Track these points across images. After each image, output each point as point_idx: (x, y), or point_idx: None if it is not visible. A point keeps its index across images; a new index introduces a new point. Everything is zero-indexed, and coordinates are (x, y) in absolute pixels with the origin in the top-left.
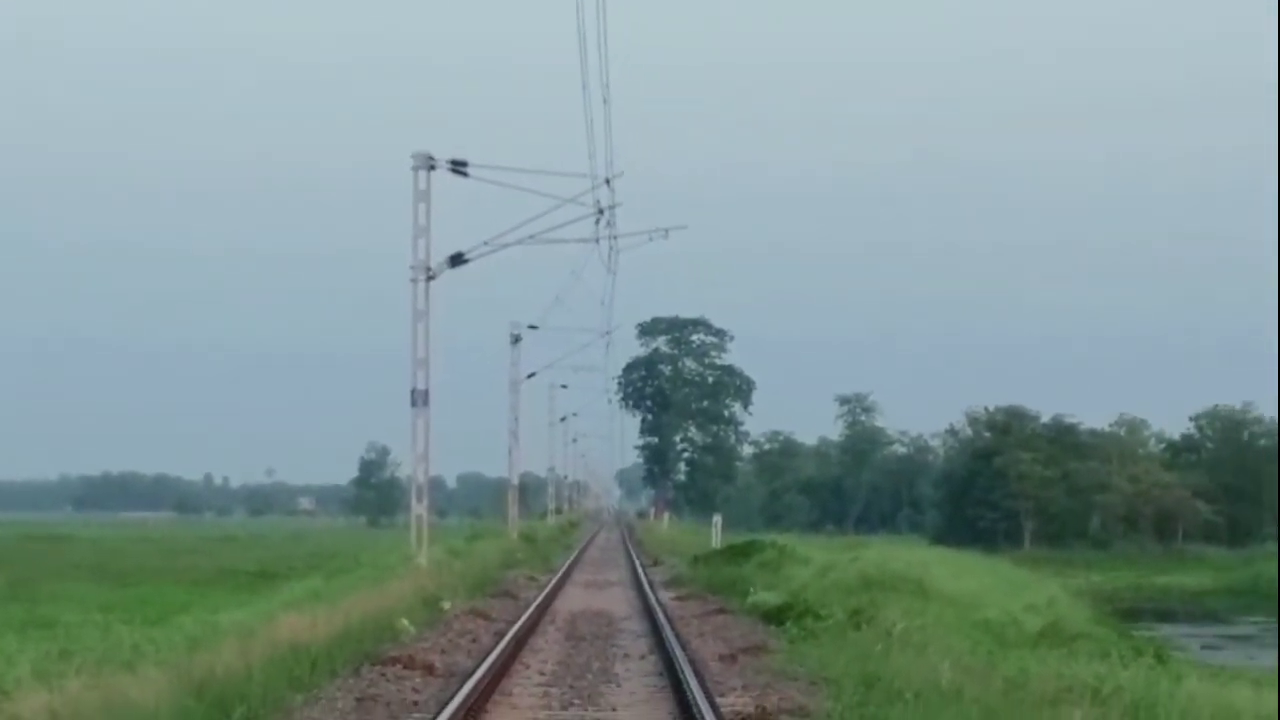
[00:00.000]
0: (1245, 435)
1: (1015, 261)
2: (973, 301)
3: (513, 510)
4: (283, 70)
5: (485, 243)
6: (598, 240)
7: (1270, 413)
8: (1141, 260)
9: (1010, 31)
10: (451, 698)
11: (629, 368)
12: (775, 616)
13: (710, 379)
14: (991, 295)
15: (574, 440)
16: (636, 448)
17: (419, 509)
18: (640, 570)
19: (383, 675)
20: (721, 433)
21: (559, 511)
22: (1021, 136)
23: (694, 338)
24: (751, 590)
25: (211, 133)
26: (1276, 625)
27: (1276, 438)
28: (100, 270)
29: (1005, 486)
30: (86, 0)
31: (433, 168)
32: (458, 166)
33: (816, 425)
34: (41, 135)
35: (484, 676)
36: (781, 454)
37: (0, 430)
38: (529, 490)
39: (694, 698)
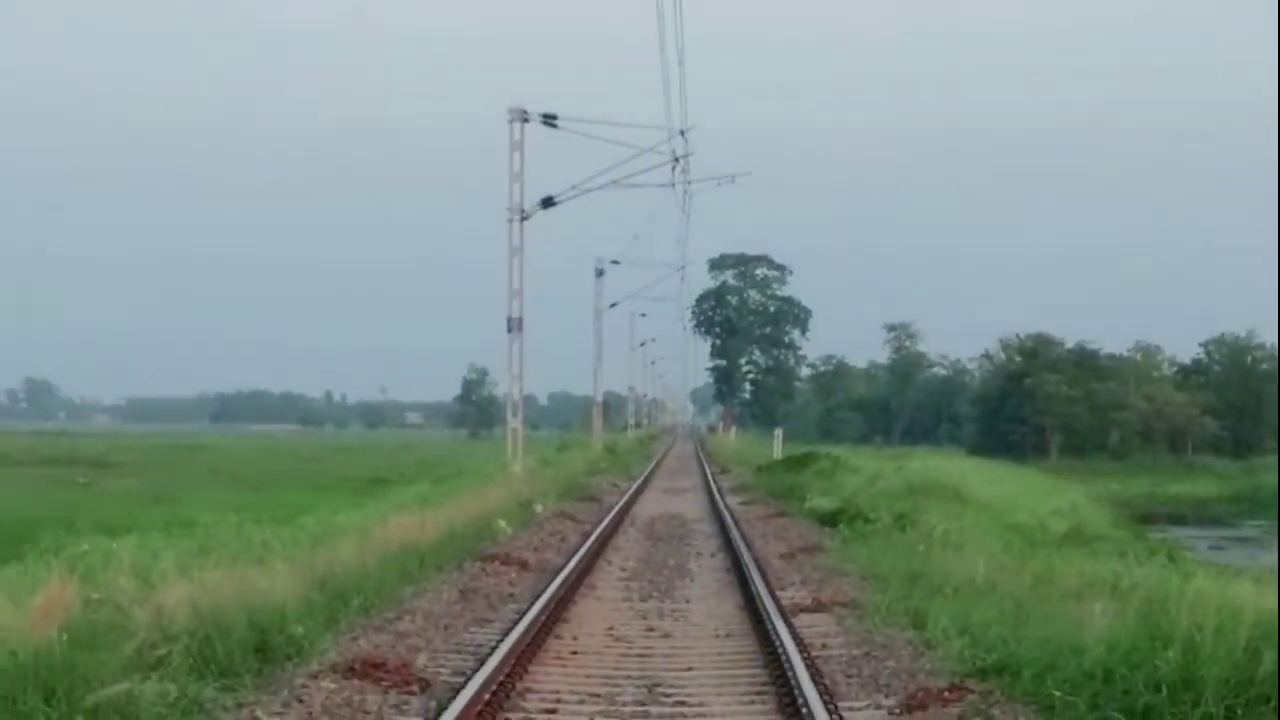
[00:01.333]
0: (1249, 360)
1: (1038, 194)
2: (1005, 238)
3: (597, 424)
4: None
5: (573, 187)
6: (673, 185)
7: (1271, 339)
8: (1159, 192)
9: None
10: (544, 590)
11: (700, 299)
12: (830, 520)
13: (772, 308)
14: (1020, 231)
15: (652, 363)
16: (707, 369)
17: (514, 423)
18: (710, 478)
19: (483, 570)
20: (782, 356)
21: (638, 426)
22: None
23: (758, 272)
24: (809, 496)
25: (337, 92)
26: (1276, 532)
27: (1277, 362)
28: (233, 207)
29: (1034, 404)
30: None
31: (526, 120)
32: (548, 119)
33: (866, 350)
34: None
35: (572, 571)
36: (835, 375)
37: (147, 352)
38: (611, 407)
39: (758, 591)
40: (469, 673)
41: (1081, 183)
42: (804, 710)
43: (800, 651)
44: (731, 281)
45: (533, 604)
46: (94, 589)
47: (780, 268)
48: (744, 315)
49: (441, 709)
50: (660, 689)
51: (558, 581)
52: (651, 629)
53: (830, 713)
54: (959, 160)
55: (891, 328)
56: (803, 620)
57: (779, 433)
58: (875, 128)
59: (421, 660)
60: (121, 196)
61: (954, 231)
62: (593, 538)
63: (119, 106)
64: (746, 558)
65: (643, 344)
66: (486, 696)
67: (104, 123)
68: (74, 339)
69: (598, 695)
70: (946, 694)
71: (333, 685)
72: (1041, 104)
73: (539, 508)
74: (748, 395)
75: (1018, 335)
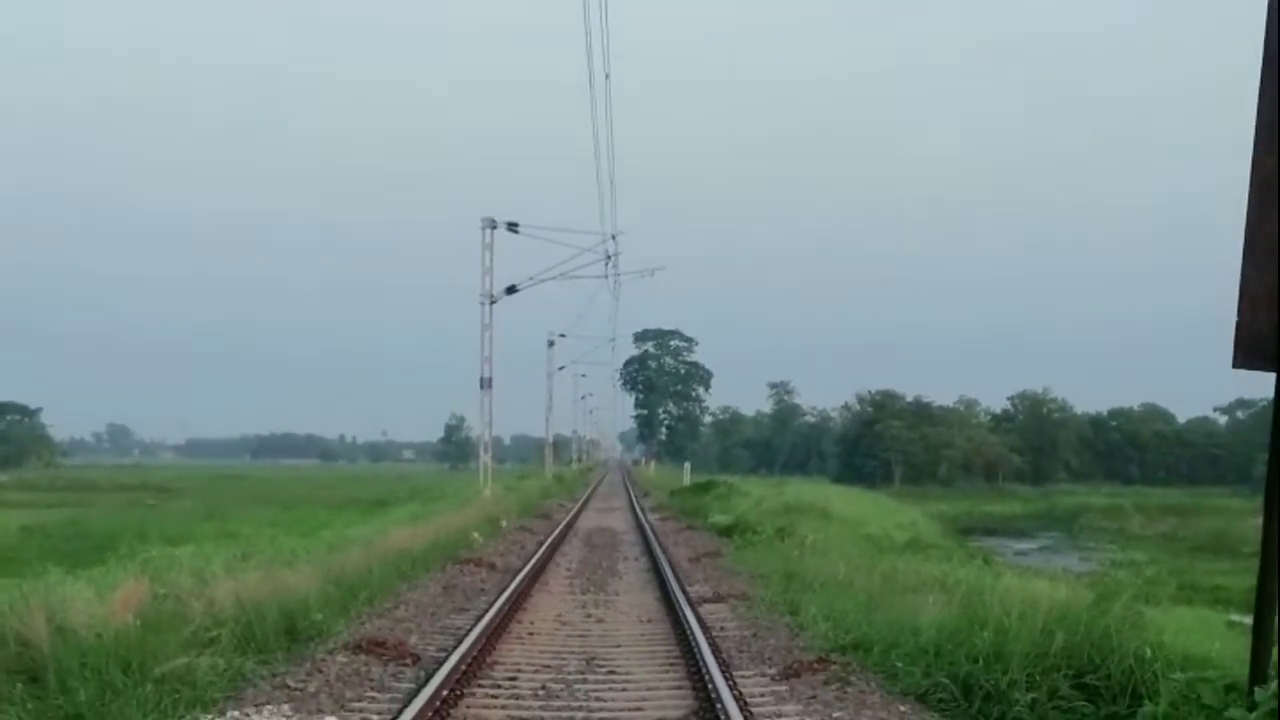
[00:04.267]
0: (1045, 410)
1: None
2: (860, 316)
3: (549, 459)
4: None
5: (530, 278)
6: (607, 277)
7: (1061, 394)
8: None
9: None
10: (508, 586)
11: (627, 363)
12: (726, 532)
13: (682, 371)
14: (872, 310)
15: (590, 412)
16: (632, 417)
17: (485, 458)
18: (635, 500)
19: (460, 570)
20: (690, 407)
21: (579, 460)
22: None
23: (672, 343)
24: (710, 514)
25: (351, 194)
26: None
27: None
28: (255, 295)
29: (882, 444)
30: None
31: (494, 227)
32: (512, 226)
33: (754, 402)
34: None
35: (529, 572)
36: (730, 421)
37: (201, 400)
38: (560, 445)
39: (671, 586)
40: (450, 649)
41: (927, 267)
42: (707, 677)
43: (704, 633)
44: (651, 350)
45: (499, 597)
46: (161, 586)
47: (689, 339)
48: (661, 376)
49: (429, 677)
50: (596, 661)
51: (518, 579)
52: (589, 615)
53: (727, 679)
54: (825, 249)
55: (774, 385)
56: (706, 609)
57: (688, 465)
58: (771, 227)
59: (414, 639)
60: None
61: (824, 307)
62: (545, 545)
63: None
64: (663, 561)
65: (583, 397)
66: (464, 667)
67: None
68: (146, 391)
69: (549, 666)
70: (815, 665)
71: (345, 659)
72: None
73: (504, 523)
74: (664, 436)
75: (870, 391)
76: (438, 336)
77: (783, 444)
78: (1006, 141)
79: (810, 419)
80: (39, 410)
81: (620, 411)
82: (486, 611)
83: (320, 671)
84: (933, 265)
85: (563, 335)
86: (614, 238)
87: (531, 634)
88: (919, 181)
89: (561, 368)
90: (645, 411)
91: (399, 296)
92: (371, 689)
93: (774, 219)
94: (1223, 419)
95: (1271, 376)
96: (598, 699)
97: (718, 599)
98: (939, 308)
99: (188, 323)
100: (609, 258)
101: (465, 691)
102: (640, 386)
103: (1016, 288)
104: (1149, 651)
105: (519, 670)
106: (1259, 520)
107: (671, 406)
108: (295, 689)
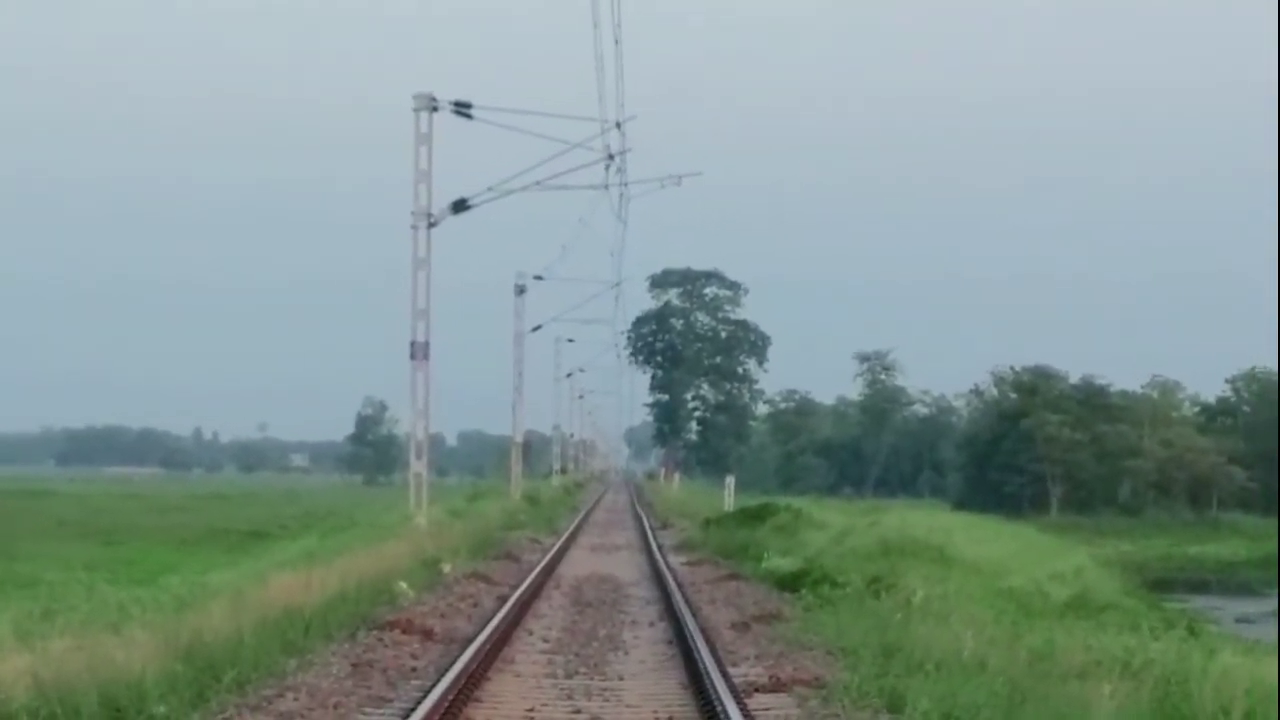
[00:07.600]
0: None
1: (1038, 209)
2: (996, 255)
3: (516, 469)
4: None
5: (490, 188)
6: (607, 187)
7: None
8: (1174, 208)
9: None
10: (451, 664)
11: (638, 321)
12: (790, 583)
13: (724, 334)
14: (1015, 248)
15: (580, 397)
16: (646, 405)
17: (418, 467)
18: (649, 534)
19: (379, 640)
20: (735, 390)
21: (564, 471)
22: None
23: (707, 291)
24: (765, 555)
25: (205, 71)
26: (1276, 599)
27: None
28: (86, 213)
29: (1031, 450)
30: None
31: (435, 109)
32: (461, 108)
33: (834, 384)
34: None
35: (485, 642)
36: (798, 413)
37: None
38: (533, 449)
39: (705, 667)
40: None
41: (1090, 197)
42: None
43: None
44: (676, 302)
45: (438, 680)
46: None
47: (734, 286)
48: (690, 342)
49: None
50: None
51: (468, 654)
52: (578, 711)
53: None
54: (947, 159)
55: (865, 358)
56: (758, 701)
57: (731, 481)
58: (847, 120)
59: None
60: None
61: (940, 246)
62: (510, 602)
63: None
64: (692, 627)
65: (570, 374)
66: None
67: None
68: None
69: None
70: None
71: None
72: (1048, 94)
73: (447, 567)
74: (694, 436)
75: (1013, 368)
76: (346, 280)
77: (878, 449)
78: None
79: (921, 410)
80: None
81: (628, 397)
82: (420, 703)
83: None
84: (1103, 178)
85: (539, 277)
86: (619, 127)
87: None
88: None
89: (537, 327)
90: (665, 397)
91: (286, 214)
92: None
93: (866, 110)
94: None
95: None
96: None
97: (777, 687)
98: (1117, 245)
99: None
100: (611, 158)
101: None
102: (659, 358)
103: (1229, 211)
104: None
105: None
106: None
107: (706, 390)
108: None
